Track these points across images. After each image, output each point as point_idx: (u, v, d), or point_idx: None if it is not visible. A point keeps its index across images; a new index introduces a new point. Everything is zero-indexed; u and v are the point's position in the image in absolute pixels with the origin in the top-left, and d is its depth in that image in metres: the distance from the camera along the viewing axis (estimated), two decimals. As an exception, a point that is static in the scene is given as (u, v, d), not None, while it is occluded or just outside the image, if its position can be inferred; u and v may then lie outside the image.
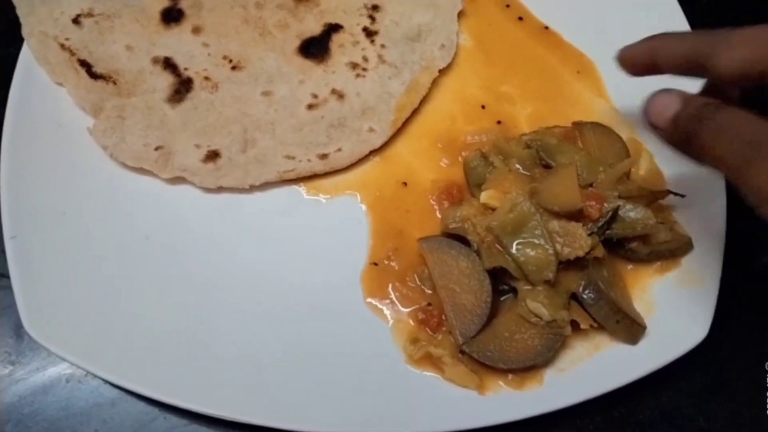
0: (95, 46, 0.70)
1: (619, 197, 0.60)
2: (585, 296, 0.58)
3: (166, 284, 0.61)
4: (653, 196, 0.62)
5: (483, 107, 0.73)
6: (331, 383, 0.58)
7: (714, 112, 0.47)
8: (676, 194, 0.63)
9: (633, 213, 0.59)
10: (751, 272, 0.67)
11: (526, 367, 0.58)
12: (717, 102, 0.48)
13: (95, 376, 0.58)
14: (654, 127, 0.52)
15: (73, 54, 0.69)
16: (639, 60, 0.56)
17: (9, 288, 0.61)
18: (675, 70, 0.52)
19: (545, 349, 0.57)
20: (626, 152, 0.66)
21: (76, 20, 0.70)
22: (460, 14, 0.77)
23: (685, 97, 0.50)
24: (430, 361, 0.59)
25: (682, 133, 0.49)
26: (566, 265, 0.58)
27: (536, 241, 0.58)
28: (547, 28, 0.78)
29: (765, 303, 0.67)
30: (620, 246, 0.61)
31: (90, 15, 0.71)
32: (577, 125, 0.68)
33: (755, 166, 0.43)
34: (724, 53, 0.47)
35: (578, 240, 0.57)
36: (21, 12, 0.70)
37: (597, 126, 0.67)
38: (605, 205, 0.59)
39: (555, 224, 0.58)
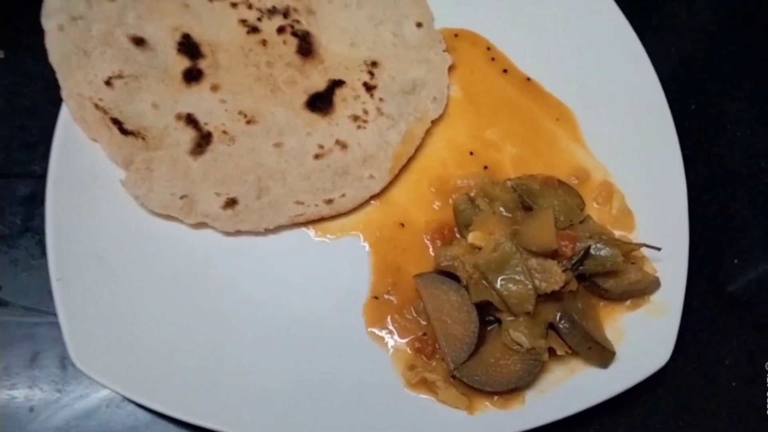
0: (125, 105, 0.76)
1: (590, 238, 0.67)
2: (561, 326, 0.65)
3: (192, 317, 0.68)
4: (628, 247, 0.69)
5: (471, 153, 0.80)
6: (337, 404, 0.65)
7: None
8: (651, 247, 0.70)
9: (603, 252, 0.67)
10: (712, 301, 0.75)
11: (510, 390, 0.65)
12: None
13: (131, 401, 0.65)
14: None
15: (106, 113, 0.75)
16: None
17: (53, 324, 0.68)
18: None
19: (526, 373, 0.64)
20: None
21: (108, 82, 0.76)
22: (451, 68, 0.83)
23: None
24: (425, 385, 0.66)
25: None
26: (544, 298, 0.65)
27: (517, 277, 0.65)
28: (529, 79, 0.84)
29: (724, 329, 0.74)
30: (596, 285, 0.68)
31: (120, 77, 0.77)
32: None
33: None
34: None
35: (554, 276, 0.65)
36: (60, 76, 0.76)
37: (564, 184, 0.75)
38: (578, 244, 0.66)
39: (534, 262, 0.66)
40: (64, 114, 0.76)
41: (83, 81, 0.77)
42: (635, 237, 0.73)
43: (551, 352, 0.65)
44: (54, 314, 0.69)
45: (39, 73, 0.82)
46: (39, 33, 0.80)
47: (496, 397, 0.64)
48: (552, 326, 0.65)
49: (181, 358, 0.66)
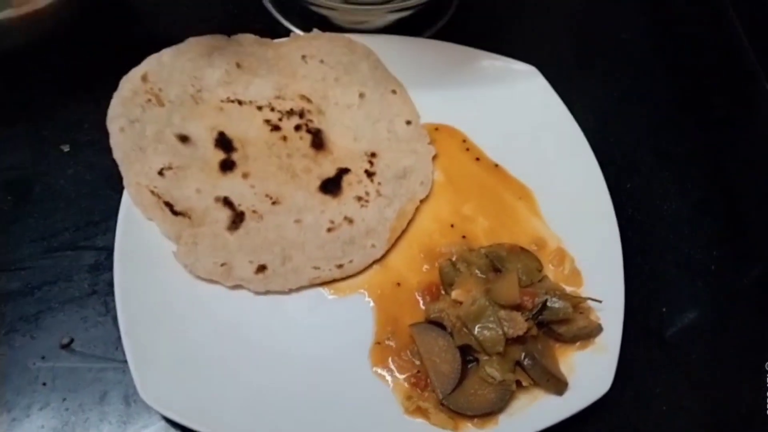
0: (174, 191, 0.89)
1: (546, 293, 0.83)
2: (525, 363, 0.79)
3: (231, 361, 0.80)
4: (577, 300, 0.83)
5: (452, 226, 0.92)
6: (350, 428, 0.77)
7: None
8: (594, 300, 0.84)
9: (557, 304, 0.81)
10: (645, 342, 0.89)
11: (486, 413, 0.76)
12: None
13: (184, 428, 0.76)
14: None
15: (159, 198, 0.88)
16: None
17: (118, 369, 0.81)
18: None
19: (499, 400, 0.77)
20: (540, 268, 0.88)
21: (160, 172, 0.90)
22: (434, 158, 0.97)
23: None
24: (420, 411, 0.76)
25: None
26: (511, 341, 0.79)
27: (490, 325, 0.79)
28: (497, 165, 0.97)
29: (656, 364, 0.87)
30: (552, 331, 0.82)
31: (170, 168, 0.90)
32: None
33: None
34: None
35: (519, 324, 0.79)
36: (122, 168, 0.90)
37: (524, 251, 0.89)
38: (536, 299, 0.80)
39: (503, 313, 0.79)
40: (125, 198, 0.88)
41: (141, 172, 0.90)
42: (582, 292, 0.86)
43: (518, 383, 0.78)
44: (118, 361, 0.81)
45: (98, 163, 0.96)
46: (96, 130, 0.94)
47: (475, 420, 0.77)
48: (518, 363, 0.79)
49: (223, 392, 0.78)
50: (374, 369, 0.81)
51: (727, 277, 0.96)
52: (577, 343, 0.84)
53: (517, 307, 0.81)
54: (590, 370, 0.81)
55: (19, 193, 0.96)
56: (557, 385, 0.80)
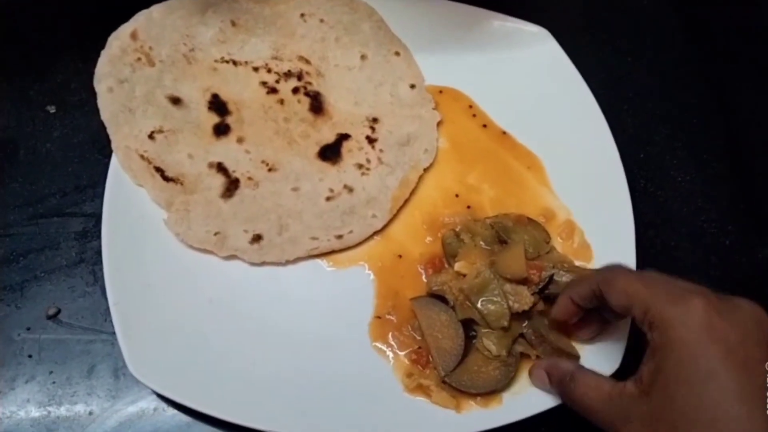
0: (165, 156, 0.86)
1: (554, 267, 0.80)
2: (532, 339, 0.78)
3: (225, 334, 0.77)
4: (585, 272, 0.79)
5: (457, 195, 0.89)
6: (350, 405, 0.74)
7: (569, 381, 0.68)
8: None
9: (564, 278, 0.78)
10: None
11: (490, 392, 0.74)
12: (571, 371, 0.68)
13: (175, 404, 0.74)
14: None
15: (150, 162, 0.84)
16: (567, 312, 0.72)
17: (106, 342, 0.79)
18: (589, 306, 0.69)
19: (503, 377, 0.74)
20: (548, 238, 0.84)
21: (150, 136, 0.86)
22: (439, 124, 0.93)
23: (551, 372, 0.71)
24: (421, 389, 0.74)
25: (557, 393, 0.71)
26: (517, 315, 0.76)
27: (495, 299, 0.76)
28: (504, 133, 0.93)
29: None
30: None
31: (161, 131, 0.87)
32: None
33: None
34: (611, 297, 0.64)
35: (524, 298, 0.76)
36: (110, 131, 0.86)
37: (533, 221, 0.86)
38: (543, 273, 0.78)
39: (508, 287, 0.77)
40: (114, 163, 0.85)
41: (130, 135, 0.86)
42: (592, 266, 0.83)
43: (525, 356, 0.77)
44: (107, 333, 0.79)
45: (86, 125, 0.93)
46: (83, 91, 0.91)
47: (479, 398, 0.74)
48: (523, 336, 0.78)
49: (216, 367, 0.76)
50: (374, 344, 0.78)
51: (741, 252, 0.93)
52: (586, 320, 0.80)
53: (523, 281, 0.78)
54: (599, 348, 0.78)
55: (3, 156, 0.92)
56: (567, 357, 0.77)
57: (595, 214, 0.88)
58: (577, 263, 0.84)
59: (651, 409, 0.60)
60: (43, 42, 1.00)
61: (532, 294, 0.77)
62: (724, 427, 0.55)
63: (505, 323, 0.76)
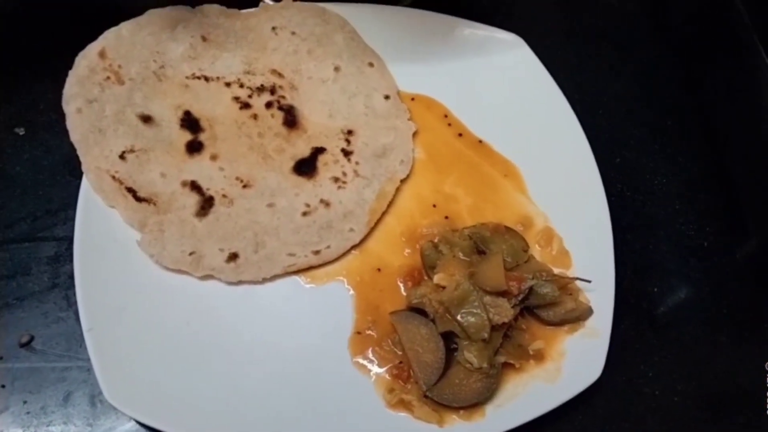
0: (137, 175, 0.84)
1: (533, 276, 0.80)
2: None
3: (202, 356, 0.76)
4: (564, 281, 0.80)
5: (434, 206, 0.89)
6: (330, 423, 0.73)
7: None
8: (583, 280, 0.81)
9: (543, 289, 0.78)
10: (637, 324, 0.86)
11: (472, 405, 0.74)
12: None
13: (155, 430, 0.72)
14: None
15: (121, 183, 0.83)
16: None
17: (82, 368, 0.78)
18: None
19: (485, 390, 0.74)
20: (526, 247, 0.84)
21: (122, 156, 0.84)
22: (415, 134, 0.92)
23: None
24: (403, 404, 0.74)
25: None
26: (497, 327, 0.76)
27: (475, 311, 0.75)
28: (481, 141, 0.93)
29: (648, 347, 0.85)
30: (537, 315, 0.80)
31: (132, 151, 0.85)
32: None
33: None
34: None
35: (505, 310, 0.76)
36: (80, 152, 0.84)
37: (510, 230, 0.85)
38: (523, 285, 0.77)
39: (488, 298, 0.76)
40: (85, 185, 0.83)
41: (100, 156, 0.85)
42: (571, 273, 0.83)
43: (507, 366, 0.76)
44: (82, 359, 0.78)
45: (56, 147, 0.91)
46: (53, 111, 0.89)
47: (461, 411, 0.74)
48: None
49: (196, 390, 0.75)
50: (354, 360, 0.78)
51: (720, 254, 0.94)
52: (566, 327, 0.81)
53: (503, 293, 0.77)
54: (581, 356, 0.79)
55: (-29, 181, 0.89)
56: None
57: (573, 220, 0.88)
58: (556, 271, 0.84)
59: None
60: (9, 63, 0.98)
61: (513, 306, 0.77)
62: None
63: (486, 335, 0.75)
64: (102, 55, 0.91)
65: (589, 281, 0.82)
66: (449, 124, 0.96)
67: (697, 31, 1.14)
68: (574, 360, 0.78)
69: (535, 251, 0.86)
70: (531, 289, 0.78)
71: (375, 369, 0.78)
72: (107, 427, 0.76)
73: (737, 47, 1.10)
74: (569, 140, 0.93)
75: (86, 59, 0.91)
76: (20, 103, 0.95)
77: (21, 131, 0.94)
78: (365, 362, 0.78)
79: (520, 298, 0.78)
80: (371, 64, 0.99)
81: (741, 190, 0.99)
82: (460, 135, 0.95)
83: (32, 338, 0.80)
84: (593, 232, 0.87)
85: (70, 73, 0.90)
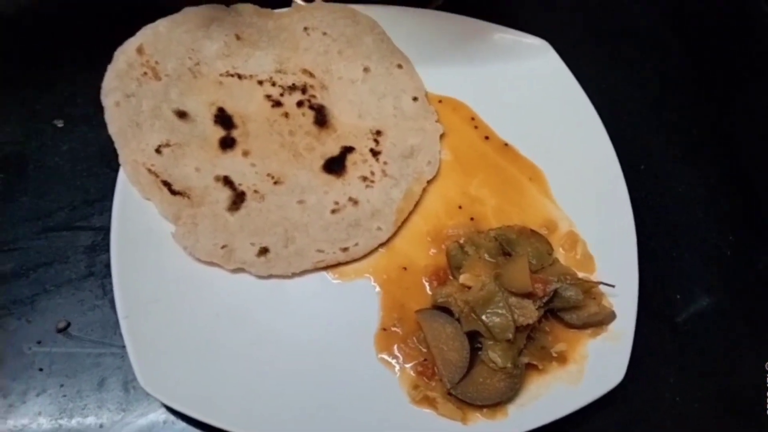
0: (172, 169, 0.86)
1: (558, 280, 0.81)
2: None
3: (232, 347, 0.78)
4: (588, 285, 0.81)
5: (460, 207, 0.90)
6: (357, 418, 0.75)
7: None
8: (606, 284, 0.82)
9: (567, 292, 0.79)
10: (659, 330, 0.87)
11: (496, 404, 0.75)
12: None
13: (185, 416, 0.74)
14: None
15: (157, 176, 0.85)
16: None
17: (116, 355, 0.80)
18: None
19: (508, 390, 0.75)
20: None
21: (158, 150, 0.86)
22: (442, 136, 0.94)
23: None
24: (427, 401, 0.75)
25: None
26: (521, 327, 0.77)
27: (500, 311, 0.77)
28: (506, 144, 0.94)
29: (669, 353, 0.85)
30: (561, 318, 0.81)
31: (168, 145, 0.87)
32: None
33: None
34: None
35: (530, 312, 0.77)
36: (118, 145, 0.86)
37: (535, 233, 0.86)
38: (548, 287, 0.78)
39: (513, 300, 0.78)
40: (122, 177, 0.85)
41: (137, 149, 0.87)
42: (595, 277, 0.84)
43: (530, 367, 0.78)
44: (116, 346, 0.80)
45: (94, 139, 0.93)
46: (90, 104, 0.90)
47: (485, 410, 0.75)
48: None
49: (224, 380, 0.77)
50: (379, 356, 0.79)
51: (742, 263, 0.94)
52: (589, 330, 0.82)
53: (528, 295, 0.78)
54: (603, 360, 0.79)
55: (12, 170, 0.92)
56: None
57: (597, 225, 0.89)
58: (579, 275, 0.85)
59: None
60: (49, 56, 1.01)
61: (537, 308, 0.78)
62: None
63: (510, 336, 0.76)
64: (140, 51, 0.93)
65: (613, 286, 0.83)
66: (476, 127, 0.97)
67: (722, 39, 1.14)
68: (597, 363, 0.79)
69: (560, 254, 0.87)
70: (555, 291, 0.79)
71: (400, 365, 0.79)
72: (139, 412, 0.78)
73: (760, 54, 1.11)
74: (595, 145, 0.94)
75: (125, 54, 0.93)
76: (60, 96, 0.98)
77: (60, 123, 0.96)
78: (390, 359, 0.80)
79: (544, 301, 0.79)
80: (400, 66, 1.00)
81: (764, 199, 0.99)
82: (487, 138, 0.97)
83: (69, 324, 0.82)
84: (617, 237, 0.87)
85: (109, 67, 0.92)
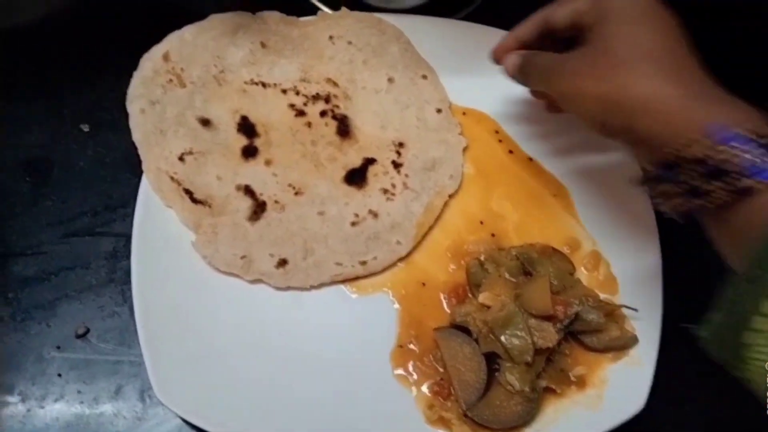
0: (195, 177, 0.86)
1: (579, 302, 0.79)
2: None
3: (249, 358, 0.78)
4: (610, 308, 0.80)
5: (481, 222, 0.88)
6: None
7: (532, 56, 0.75)
8: (630, 308, 0.81)
9: (589, 315, 0.78)
10: (684, 354, 0.86)
11: (512, 427, 0.74)
12: (534, 51, 0.76)
13: (200, 429, 0.75)
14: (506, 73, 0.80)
15: (179, 184, 0.85)
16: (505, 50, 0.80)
17: (133, 363, 0.80)
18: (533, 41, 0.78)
19: (525, 413, 0.74)
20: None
21: (180, 158, 0.87)
22: (465, 149, 0.92)
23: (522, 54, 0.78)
24: (442, 422, 0.74)
25: (520, 76, 0.78)
26: (540, 350, 0.76)
27: (519, 333, 0.76)
28: (531, 159, 0.92)
29: (695, 377, 0.83)
30: (581, 341, 0.80)
31: (190, 153, 0.88)
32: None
33: (552, 82, 0.70)
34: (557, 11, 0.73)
35: (550, 335, 0.75)
36: (141, 152, 0.87)
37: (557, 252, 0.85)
38: (569, 310, 0.77)
39: (533, 321, 0.76)
40: (144, 183, 0.86)
41: (161, 156, 0.88)
42: (617, 299, 0.82)
43: (548, 391, 0.77)
44: (134, 354, 0.80)
45: (118, 144, 0.93)
46: (115, 110, 0.91)
47: None
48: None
49: (240, 392, 0.77)
50: (395, 373, 0.78)
51: None
52: (610, 354, 0.80)
53: (548, 317, 0.77)
54: (624, 385, 0.78)
55: (38, 174, 0.93)
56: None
57: (622, 245, 0.87)
58: (602, 296, 0.83)
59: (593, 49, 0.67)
60: (77, 61, 1.02)
61: (557, 331, 0.77)
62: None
63: (529, 359, 0.75)
64: (166, 57, 0.94)
65: (636, 310, 0.81)
66: (500, 140, 0.96)
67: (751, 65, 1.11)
68: (617, 388, 0.78)
69: (581, 274, 0.86)
70: (576, 314, 0.78)
71: (416, 384, 0.79)
72: (154, 422, 0.78)
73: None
74: (620, 163, 0.91)
75: (151, 61, 0.93)
76: (86, 101, 0.98)
77: (86, 128, 0.97)
78: (406, 376, 0.79)
79: (565, 323, 0.77)
80: (425, 77, 0.99)
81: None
82: (511, 152, 0.95)
83: (88, 330, 0.83)
84: (642, 259, 0.85)
85: (135, 74, 0.93)
